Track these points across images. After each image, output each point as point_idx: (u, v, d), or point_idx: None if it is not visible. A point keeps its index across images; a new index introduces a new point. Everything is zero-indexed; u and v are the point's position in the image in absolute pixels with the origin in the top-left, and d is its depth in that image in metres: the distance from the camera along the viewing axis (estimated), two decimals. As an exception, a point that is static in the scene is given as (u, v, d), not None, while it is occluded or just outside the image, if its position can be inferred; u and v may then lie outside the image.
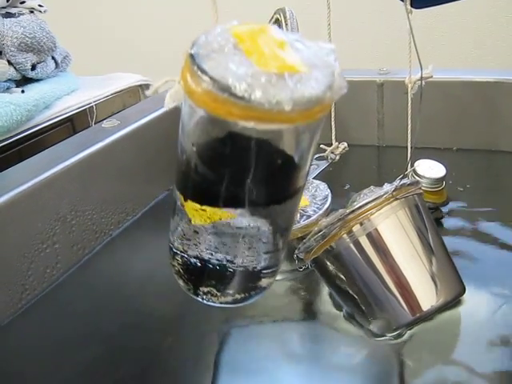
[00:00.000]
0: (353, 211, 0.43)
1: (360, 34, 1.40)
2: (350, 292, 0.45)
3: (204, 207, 0.34)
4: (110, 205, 0.65)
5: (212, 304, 0.39)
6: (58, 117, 0.83)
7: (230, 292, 0.39)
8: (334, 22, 0.62)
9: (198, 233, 0.36)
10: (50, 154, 0.64)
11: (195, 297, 0.39)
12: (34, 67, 0.86)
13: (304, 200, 0.56)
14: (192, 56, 0.29)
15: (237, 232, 0.35)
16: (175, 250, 0.39)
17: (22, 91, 0.81)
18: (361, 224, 0.43)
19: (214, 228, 0.35)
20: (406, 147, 0.56)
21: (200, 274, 0.39)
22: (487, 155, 0.80)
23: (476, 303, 0.49)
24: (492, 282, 0.52)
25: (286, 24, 0.81)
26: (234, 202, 0.34)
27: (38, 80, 0.88)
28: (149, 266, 0.61)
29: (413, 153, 0.51)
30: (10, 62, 0.82)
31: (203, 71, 0.28)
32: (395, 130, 0.84)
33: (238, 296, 0.39)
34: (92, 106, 0.88)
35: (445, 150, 0.83)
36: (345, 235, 0.43)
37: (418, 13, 0.51)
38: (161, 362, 0.47)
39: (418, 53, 0.48)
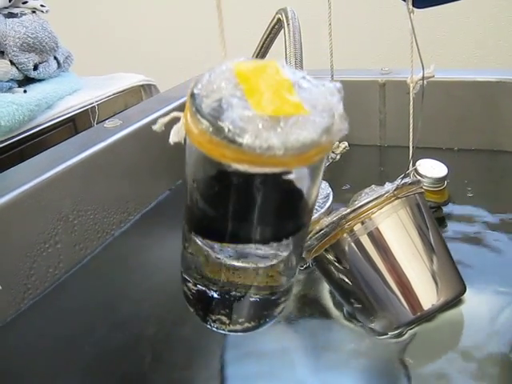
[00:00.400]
0: (354, 210, 0.43)
1: (362, 34, 1.40)
2: (351, 291, 0.45)
3: (207, 242, 0.35)
4: (111, 204, 0.66)
5: (221, 331, 0.39)
6: (60, 117, 0.83)
7: (241, 320, 0.39)
8: (335, 21, 0.62)
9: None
10: (52, 153, 0.64)
11: (204, 323, 0.39)
12: (36, 67, 0.86)
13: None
14: (193, 95, 0.29)
15: (245, 264, 0.35)
16: (184, 276, 0.40)
17: (25, 91, 0.81)
18: (362, 223, 0.43)
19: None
20: (408, 147, 0.56)
21: (208, 303, 0.39)
22: (489, 155, 0.80)
23: (477, 302, 0.49)
24: (493, 281, 0.52)
25: (288, 24, 0.81)
26: (235, 238, 0.34)
27: (40, 80, 0.88)
28: (151, 265, 0.61)
29: (414, 152, 0.52)
30: (12, 62, 0.82)
31: (200, 112, 0.29)
32: (397, 129, 0.84)
33: (248, 324, 0.39)
34: (94, 106, 0.88)
35: (446, 150, 0.83)
36: (346, 234, 0.44)
37: (419, 13, 0.52)
38: (162, 362, 0.47)
39: (419, 52, 0.48)
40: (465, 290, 0.46)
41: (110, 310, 0.54)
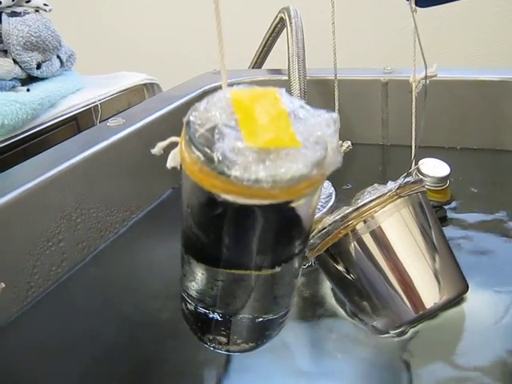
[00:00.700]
0: (356, 209, 0.43)
1: (364, 33, 1.40)
2: (354, 289, 0.45)
3: (200, 264, 0.35)
4: (114, 203, 0.66)
5: (218, 351, 0.39)
6: (63, 115, 0.83)
7: (239, 341, 0.39)
8: (338, 20, 0.62)
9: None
10: (56, 152, 0.64)
11: (201, 342, 0.40)
12: (39, 66, 0.86)
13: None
14: (187, 124, 0.30)
15: (241, 287, 0.36)
16: (182, 295, 0.40)
17: (28, 90, 0.81)
18: (364, 222, 0.43)
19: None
20: (410, 146, 0.56)
21: (205, 322, 0.39)
22: (491, 154, 0.80)
23: (479, 301, 0.49)
24: (496, 280, 0.52)
25: (291, 23, 0.81)
26: (228, 264, 0.34)
27: (43, 79, 0.88)
28: (154, 264, 0.61)
29: (417, 151, 0.52)
30: (15, 61, 0.82)
31: (192, 141, 0.29)
32: (399, 128, 0.84)
33: (245, 345, 0.39)
34: (97, 105, 0.88)
35: (449, 149, 0.83)
36: (348, 233, 0.44)
37: (422, 12, 0.52)
38: (165, 361, 0.47)
39: (422, 51, 0.48)
40: (467, 289, 0.46)
41: (112, 308, 0.54)
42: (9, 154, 0.74)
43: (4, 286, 0.46)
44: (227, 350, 0.39)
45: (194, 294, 0.38)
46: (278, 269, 0.35)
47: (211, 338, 0.39)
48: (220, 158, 0.28)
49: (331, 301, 0.51)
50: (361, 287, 0.44)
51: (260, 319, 0.39)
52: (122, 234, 0.67)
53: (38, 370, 0.47)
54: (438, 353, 0.44)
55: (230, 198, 0.29)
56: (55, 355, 0.48)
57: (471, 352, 0.44)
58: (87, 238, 0.62)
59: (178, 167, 0.32)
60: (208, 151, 0.28)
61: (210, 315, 0.38)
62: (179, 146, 0.31)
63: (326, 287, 0.52)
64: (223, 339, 0.39)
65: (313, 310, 0.50)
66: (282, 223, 0.33)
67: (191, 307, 0.40)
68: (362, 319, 0.47)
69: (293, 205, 0.31)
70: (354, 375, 0.43)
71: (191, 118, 0.30)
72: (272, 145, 0.29)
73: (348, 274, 0.45)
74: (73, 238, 0.60)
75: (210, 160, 0.28)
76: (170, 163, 0.33)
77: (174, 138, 0.33)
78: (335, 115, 0.33)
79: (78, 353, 0.48)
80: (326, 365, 0.45)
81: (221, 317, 0.38)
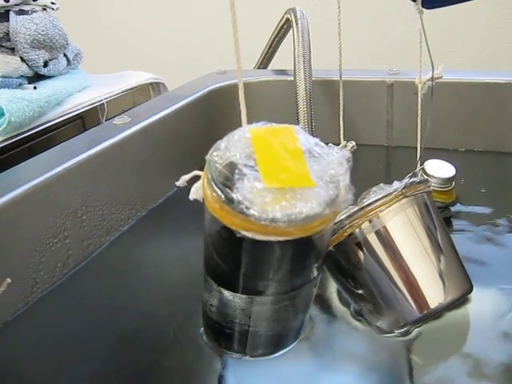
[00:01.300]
0: (362, 208, 0.43)
1: (370, 35, 1.40)
2: (358, 289, 0.45)
3: (220, 288, 0.38)
4: (120, 201, 0.66)
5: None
6: (69, 113, 0.84)
7: (255, 352, 0.42)
8: (344, 21, 0.62)
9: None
10: (62, 149, 0.64)
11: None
12: (46, 64, 0.86)
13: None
14: (209, 163, 0.32)
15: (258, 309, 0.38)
16: (204, 309, 0.42)
17: (35, 87, 0.82)
18: (370, 221, 0.44)
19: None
20: (415, 148, 0.56)
21: (225, 336, 0.42)
22: (497, 156, 0.80)
23: (484, 301, 0.49)
24: (500, 280, 0.52)
25: (297, 24, 0.81)
26: (245, 290, 0.37)
27: (50, 77, 0.88)
28: (158, 262, 0.61)
29: (422, 152, 0.52)
30: (22, 59, 0.83)
31: (214, 181, 0.31)
32: (404, 130, 0.85)
33: (261, 353, 0.42)
34: (103, 104, 0.89)
35: (454, 151, 0.83)
36: (354, 232, 0.44)
37: (428, 14, 0.52)
38: (169, 359, 0.47)
39: (429, 52, 0.48)
40: (471, 289, 0.46)
41: (117, 305, 0.54)
42: (15, 151, 0.75)
43: (10, 281, 0.46)
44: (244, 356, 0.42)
45: (214, 311, 0.40)
46: (293, 293, 0.38)
47: (230, 349, 0.42)
48: (239, 199, 0.30)
49: (335, 300, 0.51)
50: (365, 287, 0.45)
51: (276, 334, 0.41)
52: (127, 232, 0.67)
53: (42, 366, 0.47)
54: (443, 353, 0.44)
55: (248, 234, 0.31)
56: (59, 351, 0.49)
57: (475, 352, 0.44)
58: (92, 235, 0.62)
59: (201, 200, 0.34)
60: (228, 191, 0.31)
61: (228, 331, 0.41)
62: (202, 181, 0.33)
63: (331, 286, 0.52)
64: (241, 350, 0.42)
65: (317, 308, 0.50)
66: (297, 255, 0.35)
67: (211, 322, 0.42)
68: (366, 319, 0.47)
69: (306, 239, 0.33)
70: (358, 374, 0.43)
71: (213, 157, 0.32)
72: (288, 185, 0.31)
73: (352, 273, 0.45)
74: (78, 234, 0.60)
75: (230, 200, 0.30)
76: (192, 196, 0.35)
77: (196, 172, 0.35)
78: (348, 154, 0.35)
79: (82, 349, 0.48)
80: (330, 364, 0.45)
81: (239, 333, 0.40)
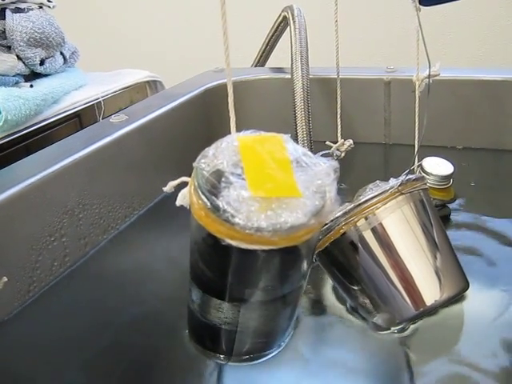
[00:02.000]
0: (358, 205, 0.43)
1: (367, 32, 1.40)
2: (354, 286, 0.45)
3: (205, 295, 0.38)
4: (117, 199, 0.66)
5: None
6: (66, 111, 0.84)
7: (239, 356, 0.42)
8: (341, 19, 0.62)
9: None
10: (59, 147, 0.64)
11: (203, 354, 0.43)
12: (42, 62, 0.86)
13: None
14: (196, 170, 0.32)
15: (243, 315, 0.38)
16: (190, 308, 0.42)
17: (31, 86, 0.82)
18: (366, 218, 0.44)
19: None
20: (413, 145, 0.56)
21: (210, 339, 0.42)
22: (494, 154, 0.81)
23: (480, 299, 0.49)
24: (497, 278, 0.52)
25: (294, 21, 0.81)
26: (230, 298, 0.37)
27: (46, 75, 0.88)
28: (155, 260, 0.61)
29: (419, 149, 0.52)
30: (18, 57, 0.82)
31: (200, 188, 0.31)
32: (402, 128, 0.85)
33: (245, 358, 0.42)
34: (100, 102, 0.89)
35: (451, 149, 0.83)
36: (349, 229, 0.44)
37: (425, 11, 0.52)
38: (166, 358, 0.47)
39: (426, 49, 0.48)
40: (468, 287, 0.46)
41: (114, 304, 0.54)
42: (12, 149, 0.75)
43: (6, 279, 0.46)
44: (227, 362, 0.42)
45: (198, 315, 0.40)
46: (279, 300, 0.38)
47: (213, 352, 0.42)
48: (225, 207, 0.30)
49: (331, 297, 0.51)
50: (361, 284, 0.45)
51: (260, 339, 0.41)
52: (124, 230, 0.67)
53: (39, 365, 0.47)
54: (438, 350, 0.44)
55: (233, 242, 0.31)
56: (56, 350, 0.49)
57: (471, 349, 0.44)
58: (89, 234, 0.62)
59: (188, 207, 0.34)
60: (214, 199, 0.31)
61: (214, 336, 0.41)
62: (188, 188, 0.33)
63: (327, 283, 0.52)
64: (227, 353, 0.41)
65: (313, 305, 0.50)
66: (282, 264, 0.35)
67: (196, 323, 0.42)
68: (362, 316, 0.47)
69: (291, 248, 0.33)
70: (355, 371, 0.43)
71: (201, 165, 0.32)
72: (274, 194, 0.31)
73: (349, 270, 0.45)
74: (75, 233, 0.60)
75: (215, 207, 0.30)
76: (179, 202, 0.35)
77: (184, 178, 0.35)
78: (336, 164, 0.35)
79: (79, 348, 0.48)
80: (327, 361, 0.45)
81: (224, 335, 0.40)
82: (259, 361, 0.41)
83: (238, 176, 0.32)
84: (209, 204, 0.31)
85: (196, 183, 0.32)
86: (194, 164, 0.33)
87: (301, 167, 0.34)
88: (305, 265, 0.37)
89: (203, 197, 0.31)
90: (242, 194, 0.31)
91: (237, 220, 0.30)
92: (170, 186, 0.36)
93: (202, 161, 0.32)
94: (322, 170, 0.34)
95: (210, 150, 0.33)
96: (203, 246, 0.35)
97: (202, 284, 0.38)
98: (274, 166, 0.33)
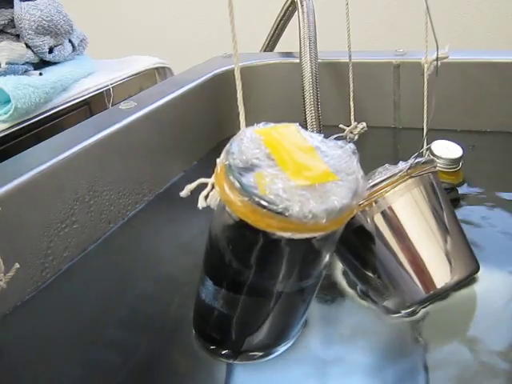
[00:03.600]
0: (367, 189, 0.43)
1: (377, 16, 1.39)
2: (365, 269, 0.45)
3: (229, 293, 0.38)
4: (127, 186, 0.66)
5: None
6: (75, 99, 0.84)
7: (249, 353, 0.42)
8: (350, 3, 0.62)
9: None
10: (69, 134, 0.65)
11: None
12: (51, 50, 0.86)
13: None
14: (229, 168, 0.31)
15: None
16: (200, 311, 0.43)
17: (40, 74, 0.82)
18: (375, 202, 0.43)
19: None
20: (422, 128, 0.56)
21: (220, 339, 0.42)
22: (504, 137, 0.80)
23: (490, 281, 0.49)
24: (507, 261, 0.52)
25: (302, 5, 0.81)
26: (260, 293, 0.37)
27: (55, 63, 0.88)
28: (165, 246, 0.61)
29: (428, 132, 0.51)
30: (27, 45, 0.83)
31: (242, 186, 0.30)
32: (411, 111, 0.84)
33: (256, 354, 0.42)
34: (109, 89, 0.89)
35: (461, 132, 0.82)
36: (359, 213, 0.44)
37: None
38: (174, 345, 0.47)
39: (434, 32, 0.48)
40: (478, 269, 0.46)
41: (125, 289, 0.55)
42: (22, 138, 0.75)
43: (18, 266, 0.46)
44: (234, 359, 0.42)
45: (210, 308, 0.40)
46: (310, 290, 0.39)
47: (220, 348, 0.42)
48: (275, 200, 0.30)
49: (342, 281, 0.51)
50: (371, 267, 0.45)
51: (274, 334, 0.42)
52: (135, 217, 0.67)
53: (51, 350, 0.47)
54: (449, 333, 0.45)
55: (286, 234, 0.31)
56: (69, 336, 0.49)
57: (482, 332, 0.44)
58: (100, 221, 0.62)
59: (215, 208, 0.34)
60: (261, 195, 0.30)
61: (224, 326, 0.41)
62: (218, 188, 0.32)
63: (338, 267, 0.52)
64: (233, 349, 0.42)
65: (323, 289, 0.50)
66: (323, 251, 0.36)
67: (205, 316, 0.42)
68: (372, 299, 0.47)
69: (335, 232, 0.34)
70: (364, 355, 0.43)
71: (230, 162, 0.31)
72: (316, 181, 0.31)
73: (359, 254, 0.45)
74: (86, 220, 0.60)
75: (265, 202, 0.30)
76: (201, 204, 0.34)
77: (202, 180, 0.35)
78: (352, 146, 0.36)
79: (92, 334, 0.49)
80: (336, 345, 0.45)
81: (236, 333, 0.41)
82: (268, 358, 0.42)
83: (275, 168, 0.32)
84: (256, 200, 0.30)
85: (234, 182, 0.31)
86: (223, 163, 0.32)
87: (322, 153, 0.34)
88: (333, 250, 0.38)
89: (246, 194, 0.30)
90: (289, 184, 0.31)
91: (291, 210, 0.30)
92: (187, 190, 0.36)
93: (233, 158, 0.32)
94: (344, 153, 0.35)
95: (234, 147, 0.33)
96: (243, 246, 0.35)
97: (231, 285, 0.38)
98: (302, 155, 0.33)
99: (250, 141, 0.33)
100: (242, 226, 0.32)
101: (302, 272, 0.36)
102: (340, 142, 0.36)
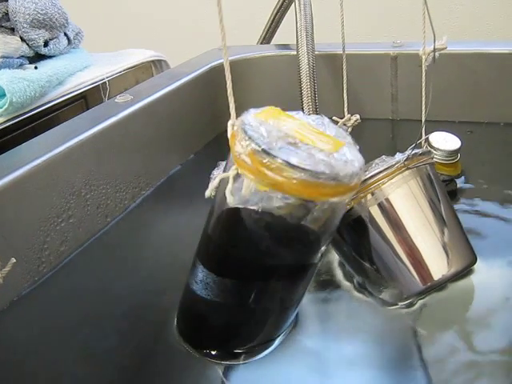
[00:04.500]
0: (364, 181, 0.43)
1: (373, 7, 1.39)
2: (361, 261, 0.45)
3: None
4: (123, 179, 0.66)
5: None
6: (71, 93, 0.83)
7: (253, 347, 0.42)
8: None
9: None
10: (64, 128, 0.64)
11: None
12: (46, 44, 0.86)
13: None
14: (266, 152, 0.32)
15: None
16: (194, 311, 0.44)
17: (35, 67, 0.81)
18: (372, 194, 0.43)
19: None
20: (420, 120, 0.55)
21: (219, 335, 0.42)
22: (502, 128, 0.80)
23: (488, 273, 0.49)
24: (505, 253, 0.52)
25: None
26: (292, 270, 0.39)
27: (50, 56, 0.88)
28: (162, 240, 0.61)
29: (426, 123, 0.51)
30: (22, 39, 0.82)
31: (292, 166, 0.31)
32: (409, 103, 0.84)
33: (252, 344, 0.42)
34: (105, 82, 0.88)
35: (459, 123, 0.82)
36: (356, 205, 0.44)
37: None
38: (174, 340, 0.47)
39: (431, 21, 0.47)
40: (475, 261, 0.46)
41: (122, 286, 0.55)
42: (18, 132, 0.74)
43: (14, 260, 0.46)
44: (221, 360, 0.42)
45: (204, 300, 0.41)
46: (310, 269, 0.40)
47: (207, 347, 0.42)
48: (325, 170, 0.32)
49: (339, 273, 0.51)
50: (368, 259, 0.44)
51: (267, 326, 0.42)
52: (131, 211, 0.67)
53: (48, 345, 0.47)
54: (447, 324, 0.44)
55: (335, 200, 0.33)
56: (65, 330, 0.49)
57: (479, 324, 0.44)
58: (97, 215, 0.62)
59: (231, 198, 0.33)
60: (314, 168, 0.31)
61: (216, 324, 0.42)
62: (257, 176, 0.32)
63: (334, 259, 0.52)
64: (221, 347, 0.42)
65: (320, 282, 0.50)
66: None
67: (196, 311, 0.43)
68: (369, 291, 0.47)
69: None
70: (362, 347, 0.43)
71: (264, 147, 0.31)
72: (337, 147, 0.34)
73: (356, 246, 0.45)
74: (83, 214, 0.60)
75: (318, 173, 0.31)
76: (233, 201, 0.34)
77: (223, 175, 0.34)
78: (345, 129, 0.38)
79: (88, 329, 0.49)
80: (334, 337, 0.45)
81: (232, 323, 0.41)
82: (259, 356, 0.42)
83: (304, 145, 0.33)
84: (309, 173, 0.31)
85: (282, 163, 0.31)
86: (252, 148, 0.32)
87: (326, 129, 0.37)
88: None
89: (298, 171, 0.31)
90: (325, 155, 0.32)
91: (341, 175, 0.32)
92: (210, 190, 0.35)
93: (260, 142, 0.32)
94: (322, 122, 0.37)
95: (248, 132, 0.32)
96: (285, 227, 0.35)
97: (225, 269, 0.38)
98: (306, 129, 0.35)
99: (260, 124, 0.33)
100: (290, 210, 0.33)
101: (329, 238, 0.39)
102: (313, 116, 0.38)
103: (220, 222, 0.37)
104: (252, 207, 0.34)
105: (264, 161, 0.31)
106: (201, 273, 0.39)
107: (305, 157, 0.32)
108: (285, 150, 0.32)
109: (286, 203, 0.33)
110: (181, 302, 0.44)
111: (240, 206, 0.34)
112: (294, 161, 0.31)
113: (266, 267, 0.37)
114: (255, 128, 0.33)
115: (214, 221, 0.37)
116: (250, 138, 0.32)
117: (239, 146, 0.32)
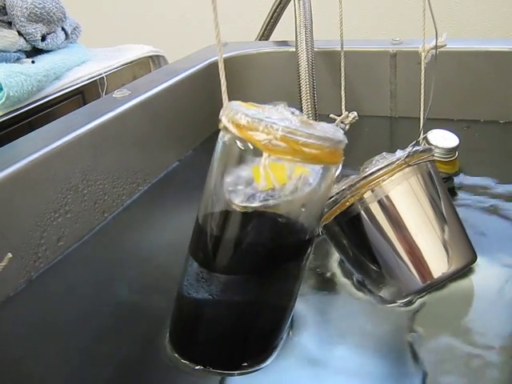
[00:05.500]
0: (364, 177, 0.43)
1: (373, 4, 1.38)
2: (361, 259, 0.45)
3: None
4: (121, 175, 0.66)
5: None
6: (68, 87, 0.83)
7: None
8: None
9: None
10: (62, 123, 0.64)
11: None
12: (43, 38, 0.85)
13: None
14: (293, 133, 0.33)
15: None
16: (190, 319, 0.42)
17: (33, 62, 0.81)
18: (372, 191, 0.43)
19: None
20: (419, 118, 0.55)
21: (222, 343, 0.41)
22: (501, 126, 0.80)
23: (488, 271, 0.49)
24: (504, 250, 0.51)
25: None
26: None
27: (48, 51, 0.87)
28: (159, 236, 0.61)
29: (425, 121, 0.51)
30: (20, 33, 0.82)
31: (317, 138, 0.33)
32: (408, 101, 0.84)
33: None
34: (103, 77, 0.88)
35: (458, 121, 0.82)
36: (356, 202, 0.43)
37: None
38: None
39: (434, 19, 0.47)
40: (475, 259, 0.46)
41: (119, 281, 0.54)
42: (15, 126, 0.74)
43: (11, 256, 0.46)
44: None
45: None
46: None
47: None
48: (341, 137, 0.35)
49: (338, 270, 0.50)
50: (368, 257, 0.44)
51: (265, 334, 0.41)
52: (129, 206, 0.67)
53: (44, 341, 0.47)
54: (446, 323, 0.44)
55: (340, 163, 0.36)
56: (61, 326, 0.49)
57: (478, 322, 0.44)
58: (94, 210, 0.62)
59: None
60: (335, 136, 0.35)
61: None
62: (293, 156, 0.33)
63: (333, 256, 0.52)
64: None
65: (319, 279, 0.50)
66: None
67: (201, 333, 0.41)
68: (369, 289, 0.47)
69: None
70: (361, 345, 0.43)
71: (289, 130, 0.33)
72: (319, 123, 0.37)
73: (355, 243, 0.45)
74: (80, 209, 0.60)
75: (340, 140, 0.35)
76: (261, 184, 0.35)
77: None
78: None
79: (85, 324, 0.48)
80: (332, 335, 0.45)
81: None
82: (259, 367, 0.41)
83: (306, 123, 0.35)
84: (334, 141, 0.34)
85: (310, 140, 0.33)
86: (274, 134, 0.33)
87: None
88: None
89: (322, 140, 0.33)
90: (318, 127, 0.35)
91: (343, 141, 0.36)
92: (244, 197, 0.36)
93: (281, 126, 0.33)
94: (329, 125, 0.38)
95: (263, 119, 0.33)
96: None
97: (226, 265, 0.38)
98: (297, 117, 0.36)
99: (258, 113, 0.34)
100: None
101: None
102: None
103: (220, 219, 0.37)
104: (254, 205, 0.34)
105: (300, 140, 0.33)
106: (191, 268, 0.39)
107: (316, 130, 0.34)
108: (303, 127, 0.33)
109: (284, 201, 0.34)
110: (173, 314, 0.43)
111: (243, 205, 0.34)
112: (320, 133, 0.34)
113: (262, 263, 0.37)
114: (262, 116, 0.33)
115: (210, 214, 0.37)
116: (273, 123, 0.33)
117: (262, 135, 0.33)
